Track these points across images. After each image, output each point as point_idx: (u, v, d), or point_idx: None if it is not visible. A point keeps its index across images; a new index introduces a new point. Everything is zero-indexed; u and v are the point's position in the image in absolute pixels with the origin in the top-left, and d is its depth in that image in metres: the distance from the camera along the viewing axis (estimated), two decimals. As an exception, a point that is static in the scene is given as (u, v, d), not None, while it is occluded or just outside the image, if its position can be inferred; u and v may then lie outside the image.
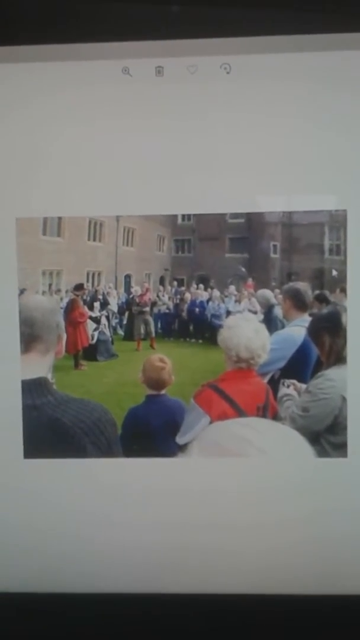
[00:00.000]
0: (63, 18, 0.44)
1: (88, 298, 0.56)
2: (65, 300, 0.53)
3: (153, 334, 0.58)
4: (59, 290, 0.52)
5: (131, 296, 0.56)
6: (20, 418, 0.47)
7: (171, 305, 0.58)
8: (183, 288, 0.56)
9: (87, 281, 0.53)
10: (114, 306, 0.58)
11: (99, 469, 0.48)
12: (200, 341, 0.60)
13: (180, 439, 0.50)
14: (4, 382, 0.47)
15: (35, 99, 0.45)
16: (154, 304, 0.57)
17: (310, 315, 0.51)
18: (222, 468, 0.47)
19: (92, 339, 0.59)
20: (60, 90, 0.45)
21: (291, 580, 0.47)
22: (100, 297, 0.57)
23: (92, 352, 0.59)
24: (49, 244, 0.49)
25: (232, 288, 0.53)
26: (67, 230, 0.49)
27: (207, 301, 0.59)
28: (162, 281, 0.55)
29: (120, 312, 0.59)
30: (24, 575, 0.49)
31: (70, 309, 0.55)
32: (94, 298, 0.56)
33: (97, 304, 0.57)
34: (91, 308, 0.57)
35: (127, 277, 0.54)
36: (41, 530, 0.48)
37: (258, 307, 0.53)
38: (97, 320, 0.59)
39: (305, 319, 0.51)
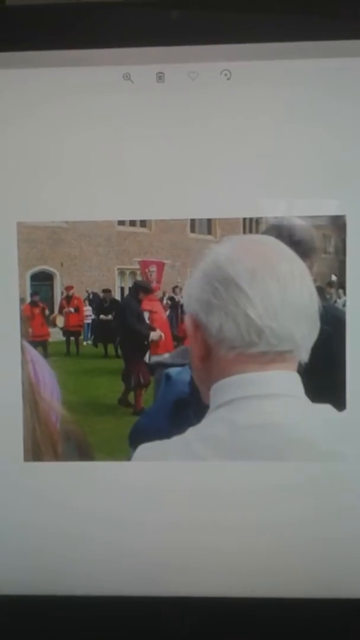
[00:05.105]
0: (64, 24, 0.44)
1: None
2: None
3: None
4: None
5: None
6: (20, 421, 0.48)
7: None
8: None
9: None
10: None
11: (99, 471, 0.48)
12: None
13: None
14: (4, 385, 0.48)
15: (36, 105, 0.46)
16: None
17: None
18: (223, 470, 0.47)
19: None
20: (61, 96, 0.45)
21: (291, 583, 0.47)
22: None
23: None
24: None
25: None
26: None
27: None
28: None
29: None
30: (24, 578, 0.49)
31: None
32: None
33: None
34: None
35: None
36: (41, 533, 0.48)
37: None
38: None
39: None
